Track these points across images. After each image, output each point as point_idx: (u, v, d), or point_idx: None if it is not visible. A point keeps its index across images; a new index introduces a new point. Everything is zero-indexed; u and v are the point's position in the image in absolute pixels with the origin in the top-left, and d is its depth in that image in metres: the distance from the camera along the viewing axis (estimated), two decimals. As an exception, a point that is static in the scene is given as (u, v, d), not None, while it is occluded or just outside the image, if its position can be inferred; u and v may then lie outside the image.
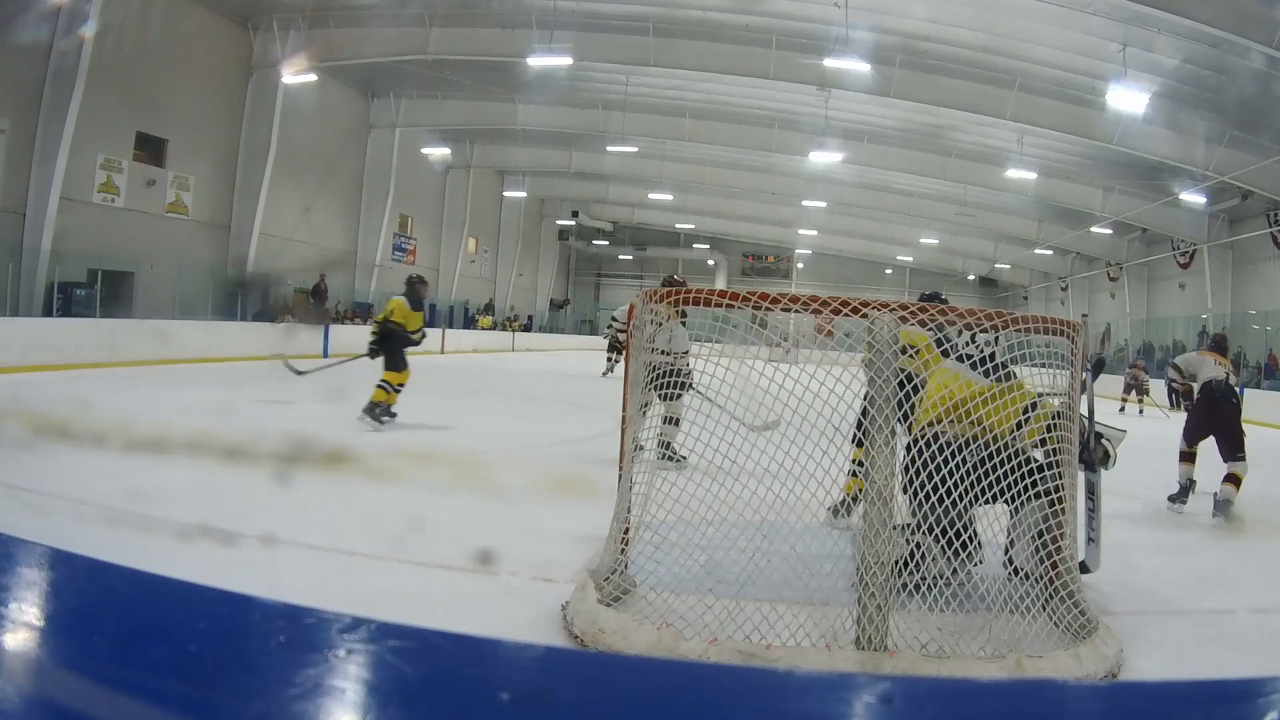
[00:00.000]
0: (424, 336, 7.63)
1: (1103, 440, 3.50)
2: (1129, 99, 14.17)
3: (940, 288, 34.22)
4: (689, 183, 28.03)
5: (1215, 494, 5.52)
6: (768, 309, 2.83)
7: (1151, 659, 2.75)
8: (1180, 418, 6.37)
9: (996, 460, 2.83)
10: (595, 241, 35.16)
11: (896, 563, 2.83)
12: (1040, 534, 3.05)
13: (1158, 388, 14.68)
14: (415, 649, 0.63)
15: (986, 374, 3.30)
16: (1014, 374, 3.34)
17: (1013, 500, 2.86)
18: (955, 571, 3.01)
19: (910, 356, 4.09)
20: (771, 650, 2.41)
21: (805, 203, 27.59)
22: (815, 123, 18.95)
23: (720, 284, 34.07)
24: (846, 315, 2.68)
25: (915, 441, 3.14)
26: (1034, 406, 3.15)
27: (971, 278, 34.82)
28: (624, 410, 3.13)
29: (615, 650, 2.46)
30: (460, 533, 3.75)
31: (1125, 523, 5.17)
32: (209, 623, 0.69)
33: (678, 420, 5.11)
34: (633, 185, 29.69)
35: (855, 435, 3.06)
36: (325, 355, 16.21)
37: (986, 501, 2.90)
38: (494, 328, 27.82)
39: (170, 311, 14.65)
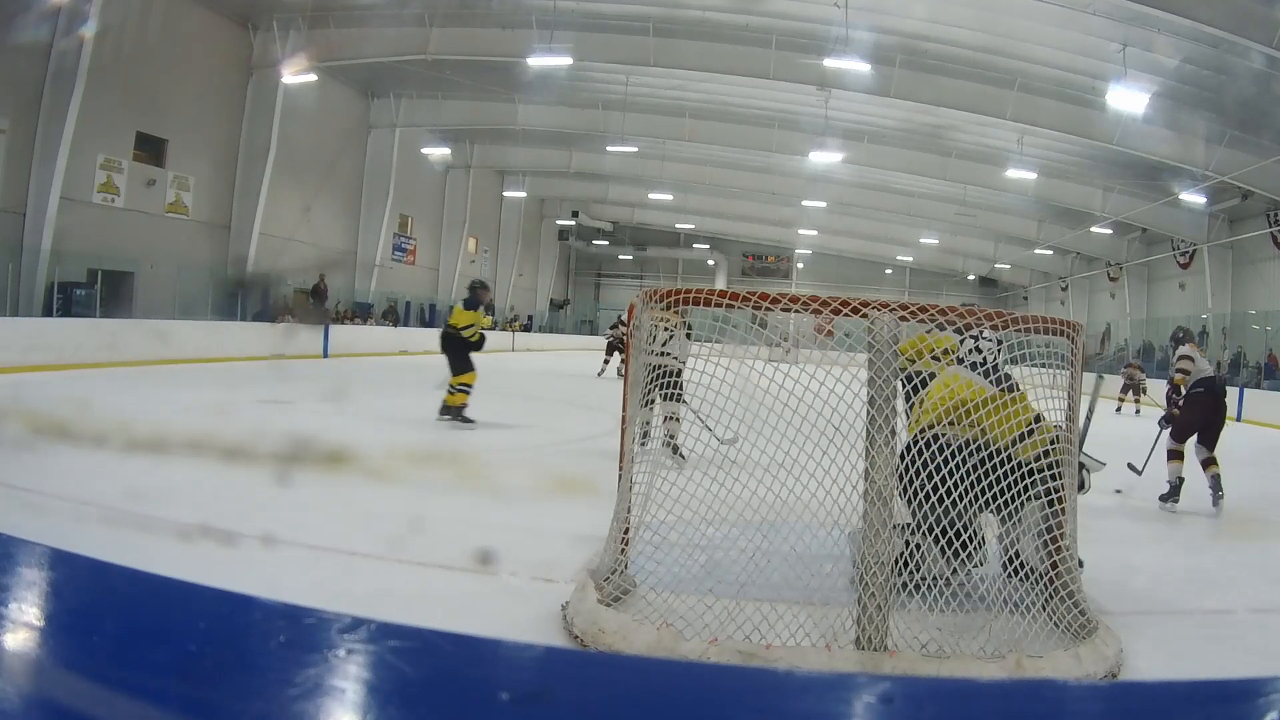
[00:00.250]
0: (477, 335, 7.72)
1: (1083, 469, 3.51)
2: (1129, 99, 14.16)
3: (940, 288, 34.37)
4: (689, 183, 28.03)
5: (1212, 486, 5.52)
6: (768, 309, 2.83)
7: (1151, 659, 2.75)
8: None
9: (993, 463, 2.83)
10: (595, 241, 35.16)
11: (895, 562, 2.83)
12: (1042, 532, 3.05)
13: (1155, 387, 14.67)
14: (415, 649, 0.63)
15: (995, 382, 3.31)
16: (1017, 385, 3.33)
17: (1008, 505, 2.85)
18: (955, 572, 3.01)
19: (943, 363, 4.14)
20: (771, 650, 2.41)
21: (805, 203, 27.59)
22: (815, 123, 18.94)
23: (720, 284, 34.07)
24: (846, 315, 2.67)
25: (915, 441, 3.13)
26: (1037, 420, 3.16)
27: (971, 278, 34.82)
28: (624, 410, 3.13)
29: (615, 650, 2.46)
30: (460, 533, 3.75)
31: (1125, 523, 5.17)
32: (209, 623, 0.69)
33: (678, 419, 5.27)
34: (633, 185, 29.69)
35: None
36: (325, 355, 16.25)
37: (981, 508, 2.89)
38: (494, 328, 27.81)
39: (170, 311, 14.65)
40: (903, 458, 2.90)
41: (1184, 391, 5.84)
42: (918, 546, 2.94)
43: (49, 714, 0.56)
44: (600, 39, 16.51)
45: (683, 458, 4.85)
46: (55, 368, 10.08)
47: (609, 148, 23.12)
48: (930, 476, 2.85)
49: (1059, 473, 2.98)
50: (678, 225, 34.75)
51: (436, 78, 19.29)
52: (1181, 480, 5.62)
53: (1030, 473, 2.96)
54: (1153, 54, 13.65)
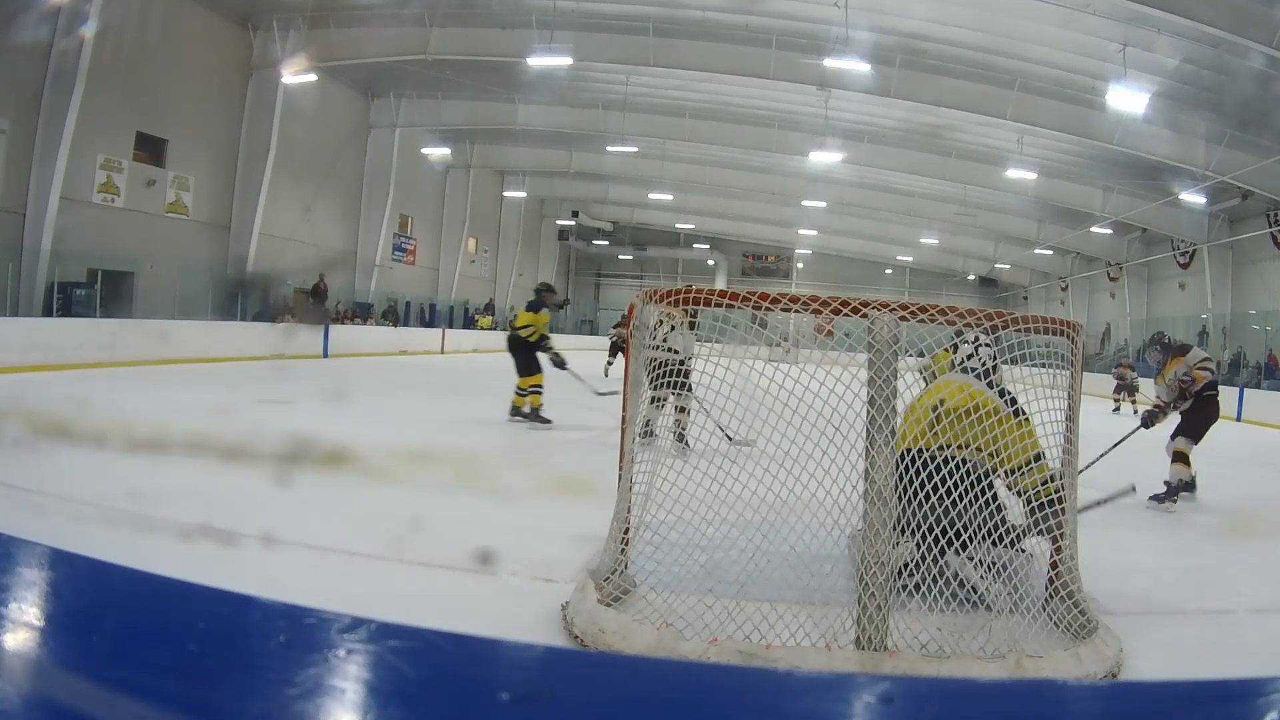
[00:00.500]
0: (536, 335, 7.80)
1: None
2: (1129, 99, 14.17)
3: (940, 288, 34.37)
4: (689, 183, 28.03)
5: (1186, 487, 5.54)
6: (768, 309, 2.83)
7: (1151, 659, 2.75)
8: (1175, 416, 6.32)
9: (982, 485, 2.84)
10: (595, 241, 35.16)
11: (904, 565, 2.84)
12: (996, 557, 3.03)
13: (1148, 385, 14.65)
14: (415, 649, 0.63)
15: (1006, 401, 3.32)
16: (1023, 410, 3.31)
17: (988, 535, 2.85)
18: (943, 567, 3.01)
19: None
20: (771, 650, 2.41)
21: (805, 203, 27.59)
22: (815, 123, 18.95)
23: (720, 284, 34.07)
24: (846, 315, 2.67)
25: (920, 453, 3.11)
26: (1038, 459, 3.17)
27: (971, 278, 34.82)
28: (624, 410, 3.13)
29: (615, 650, 2.46)
30: (460, 533, 3.75)
31: (1126, 523, 5.17)
32: (209, 623, 0.69)
33: (687, 410, 5.38)
34: (633, 185, 29.69)
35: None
36: (325, 355, 16.25)
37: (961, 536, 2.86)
38: (494, 328, 27.83)
39: (170, 311, 14.65)
40: (912, 463, 2.87)
41: (1195, 392, 5.84)
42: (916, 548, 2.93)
43: (49, 714, 0.56)
44: (600, 39, 16.51)
45: (687, 446, 4.92)
46: (55, 368, 10.08)
47: (609, 148, 23.12)
48: (929, 485, 2.82)
49: (1056, 510, 2.98)
50: (678, 225, 34.76)
51: (436, 78, 19.29)
52: (1184, 482, 5.61)
53: (1029, 501, 2.98)
54: (1153, 54, 13.66)
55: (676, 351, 5.08)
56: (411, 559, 3.37)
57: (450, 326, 24.91)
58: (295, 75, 17.35)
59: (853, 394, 2.76)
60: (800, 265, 36.39)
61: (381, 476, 5.07)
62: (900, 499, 2.74)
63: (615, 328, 15.85)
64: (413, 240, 25.37)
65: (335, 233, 21.72)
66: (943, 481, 2.78)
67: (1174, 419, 5.99)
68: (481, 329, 26.89)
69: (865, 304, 2.64)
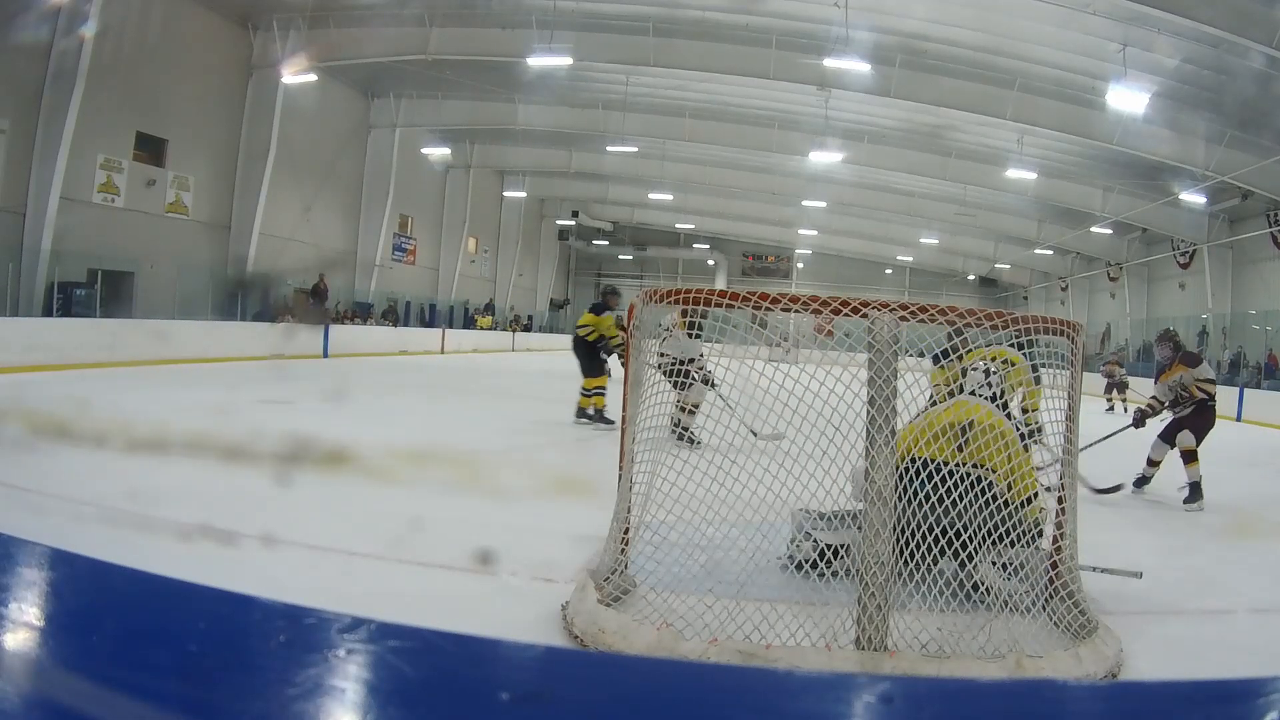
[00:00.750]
0: (595, 335, 7.88)
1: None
2: (1129, 99, 14.17)
3: (940, 288, 34.38)
4: (689, 183, 28.03)
5: (1195, 482, 5.58)
6: (768, 309, 2.83)
7: (1151, 659, 2.75)
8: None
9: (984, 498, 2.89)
10: (595, 241, 35.16)
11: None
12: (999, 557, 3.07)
13: (1139, 384, 14.64)
14: (415, 649, 0.63)
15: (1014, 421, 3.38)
16: (1028, 446, 3.41)
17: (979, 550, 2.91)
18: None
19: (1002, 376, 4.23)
20: (771, 650, 2.41)
21: (805, 203, 27.59)
22: (815, 123, 18.95)
23: (720, 284, 34.07)
24: (846, 315, 2.67)
25: (926, 465, 3.14)
26: (1031, 500, 3.22)
27: (971, 278, 34.83)
28: (624, 410, 3.13)
29: (615, 650, 2.46)
30: (460, 533, 3.75)
31: (1125, 523, 5.17)
32: (209, 623, 0.69)
33: (694, 408, 5.43)
34: (633, 185, 29.69)
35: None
36: (325, 355, 16.25)
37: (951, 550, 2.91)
38: (494, 328, 27.83)
39: (170, 311, 14.65)
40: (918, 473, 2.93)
41: (1188, 403, 5.86)
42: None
43: (49, 714, 0.56)
44: (600, 39, 16.51)
45: (694, 443, 5.03)
46: (55, 368, 10.08)
47: (609, 148, 23.11)
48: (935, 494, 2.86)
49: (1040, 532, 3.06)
50: (678, 225, 34.76)
51: (436, 78, 19.29)
52: (1200, 478, 5.63)
53: (1025, 531, 3.04)
54: (1153, 54, 13.65)
55: (675, 358, 5.14)
56: (411, 559, 3.37)
57: (450, 326, 24.91)
58: (295, 75, 17.35)
59: (853, 394, 2.76)
60: (800, 265, 36.39)
61: (381, 476, 5.07)
62: (921, 509, 2.79)
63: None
64: (413, 240, 25.37)
65: (335, 233, 21.72)
66: (975, 497, 2.85)
67: (1164, 417, 6.02)
68: (481, 329, 26.90)
69: (865, 304, 2.64)
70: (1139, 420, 6.11)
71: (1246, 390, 15.46)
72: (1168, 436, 5.90)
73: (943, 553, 2.91)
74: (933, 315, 2.77)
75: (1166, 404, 5.95)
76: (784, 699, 0.59)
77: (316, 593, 2.85)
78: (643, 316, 3.16)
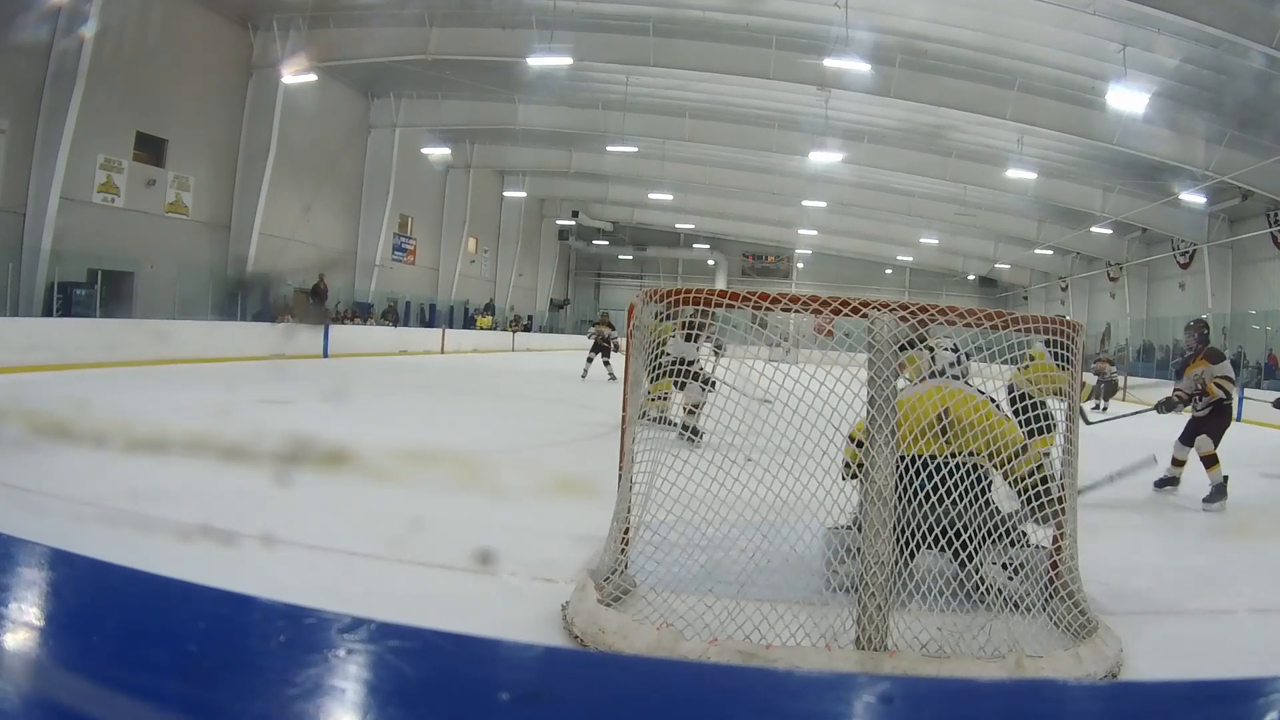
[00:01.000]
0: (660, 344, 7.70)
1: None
2: (1129, 99, 14.17)
3: (940, 288, 34.38)
4: (689, 183, 28.04)
5: (1216, 483, 5.57)
6: (768, 309, 2.83)
7: (1151, 659, 2.75)
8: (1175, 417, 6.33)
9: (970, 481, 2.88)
10: (595, 241, 35.16)
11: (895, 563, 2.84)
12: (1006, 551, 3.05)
13: (1140, 384, 14.62)
14: (415, 649, 0.63)
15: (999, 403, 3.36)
16: (1000, 405, 3.38)
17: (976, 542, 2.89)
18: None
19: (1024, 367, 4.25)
20: (771, 650, 2.41)
21: (805, 203, 27.60)
22: (815, 123, 18.95)
23: (720, 284, 34.07)
24: (846, 315, 2.67)
25: (914, 461, 3.13)
26: (1024, 449, 3.19)
27: (971, 278, 34.84)
28: (624, 410, 3.13)
29: (615, 650, 2.46)
30: (460, 533, 3.75)
31: (1125, 523, 5.17)
32: (209, 623, 0.69)
33: (694, 408, 5.64)
34: (633, 185, 29.70)
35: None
36: (325, 355, 16.26)
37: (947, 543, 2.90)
38: (494, 328, 27.84)
39: (170, 311, 14.65)
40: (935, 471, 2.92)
41: (1205, 401, 5.86)
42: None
43: (49, 714, 0.56)
44: (600, 39, 16.51)
45: (695, 438, 5.26)
46: (55, 368, 10.07)
47: (609, 148, 23.12)
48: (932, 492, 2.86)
49: (1049, 488, 3.01)
50: (678, 225, 34.77)
51: (436, 78, 19.29)
52: (1218, 485, 5.63)
53: (1025, 490, 3.00)
54: (1153, 54, 13.66)
55: (669, 355, 5.20)
56: (411, 559, 3.37)
57: (450, 326, 24.91)
58: (295, 75, 17.35)
59: (853, 394, 2.76)
60: (800, 265, 36.39)
61: (381, 476, 5.07)
62: (911, 504, 2.78)
63: (595, 325, 15.30)
64: (413, 240, 25.37)
65: (335, 233, 21.73)
66: (967, 489, 2.84)
67: (1185, 416, 6.02)
68: (481, 329, 26.90)
69: (865, 304, 2.64)
70: (1163, 407, 6.12)
71: (1247, 390, 15.45)
72: (1187, 438, 5.90)
73: (943, 551, 2.91)
74: (933, 315, 2.77)
75: (1188, 398, 5.94)
76: (784, 699, 0.59)
77: (316, 593, 2.85)
78: (642, 317, 3.16)
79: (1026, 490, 3.07)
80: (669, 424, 5.94)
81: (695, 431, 5.79)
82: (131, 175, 15.25)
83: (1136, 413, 6.21)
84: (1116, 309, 27.17)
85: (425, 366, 16.64)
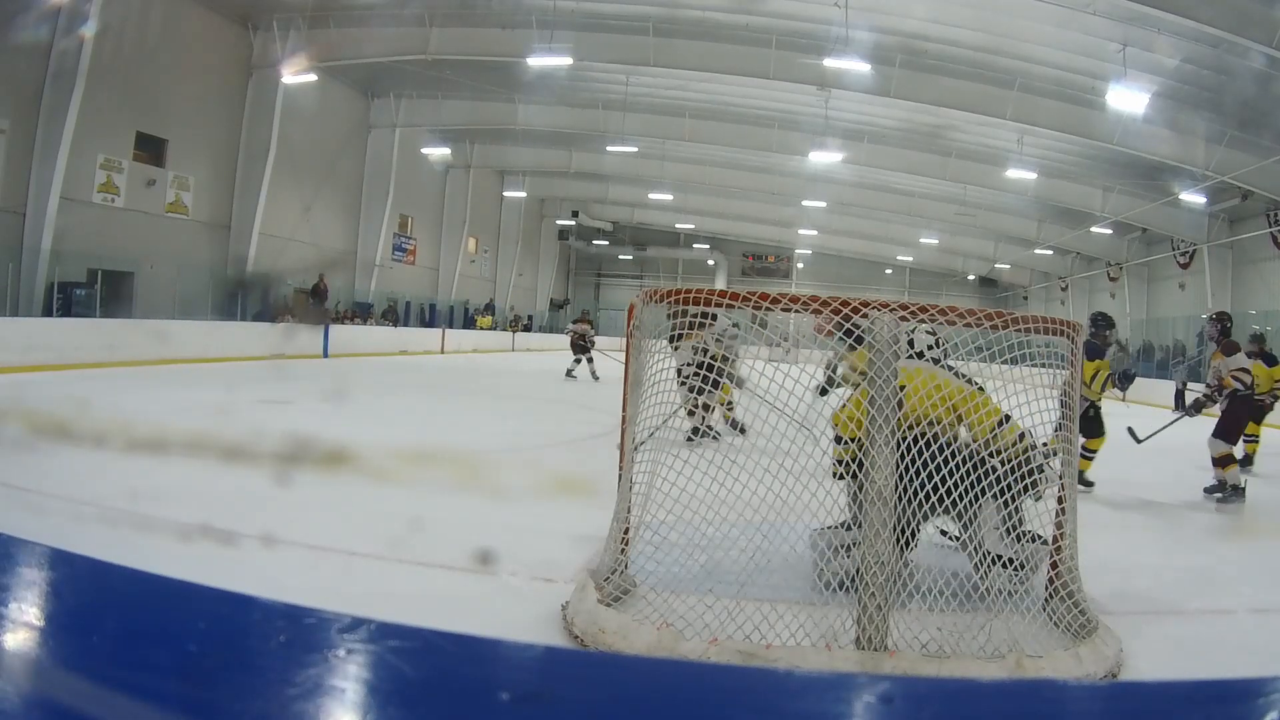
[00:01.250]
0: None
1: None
2: (1129, 99, 14.17)
3: (940, 288, 34.38)
4: (689, 183, 28.03)
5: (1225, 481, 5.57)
6: (768, 309, 2.83)
7: (1151, 659, 2.75)
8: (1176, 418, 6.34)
9: (955, 461, 2.85)
10: (595, 241, 35.16)
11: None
12: (1006, 519, 3.03)
13: (1155, 385, 14.62)
14: (415, 649, 0.63)
15: (961, 378, 3.32)
16: (977, 383, 3.34)
17: (970, 505, 2.87)
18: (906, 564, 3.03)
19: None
20: (771, 650, 2.41)
21: (805, 203, 27.59)
22: (815, 123, 18.94)
23: (720, 284, 34.07)
24: (846, 315, 2.67)
25: (916, 440, 3.12)
26: (1007, 419, 3.16)
27: (971, 278, 34.82)
28: (624, 410, 3.13)
29: (615, 650, 2.46)
30: (460, 533, 3.75)
31: (1125, 523, 5.17)
32: (209, 623, 0.69)
33: (707, 407, 5.84)
34: (633, 185, 29.69)
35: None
36: (325, 355, 16.26)
37: (947, 508, 2.87)
38: (494, 328, 27.83)
39: (170, 311, 14.64)
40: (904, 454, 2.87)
41: (1223, 394, 5.85)
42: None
43: (49, 714, 0.56)
44: (600, 39, 16.51)
45: (707, 435, 5.49)
46: (55, 368, 10.08)
47: (609, 148, 23.11)
48: (918, 473, 2.82)
49: (1032, 457, 3.00)
50: (678, 225, 34.76)
51: (436, 78, 19.29)
52: (1235, 486, 5.62)
53: (1008, 460, 2.99)
54: (1153, 54, 13.65)
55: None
56: (411, 559, 3.37)
57: (450, 326, 24.91)
58: (295, 75, 17.35)
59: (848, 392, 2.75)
60: (800, 265, 36.38)
61: (381, 476, 5.07)
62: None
63: (574, 324, 14.98)
64: (413, 240, 25.37)
65: (335, 233, 21.73)
66: (930, 459, 2.80)
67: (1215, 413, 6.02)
68: (481, 329, 26.89)
69: (865, 304, 2.64)
70: (1193, 409, 6.12)
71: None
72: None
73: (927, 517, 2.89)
74: (933, 315, 2.77)
75: (1212, 393, 5.93)
76: (784, 699, 0.59)
77: (316, 593, 2.85)
78: (643, 317, 3.16)
79: (1010, 460, 3.06)
80: (739, 429, 6.08)
81: (699, 431, 5.84)
82: (131, 175, 15.24)
83: (1172, 423, 6.23)
84: (1116, 309, 27.14)
85: (425, 366, 16.64)
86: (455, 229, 27.28)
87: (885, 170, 22.72)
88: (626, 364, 3.21)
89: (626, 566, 3.03)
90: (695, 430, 5.93)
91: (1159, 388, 15.36)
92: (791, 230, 32.93)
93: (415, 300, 24.97)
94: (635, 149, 23.37)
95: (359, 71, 19.75)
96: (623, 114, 20.94)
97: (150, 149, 15.78)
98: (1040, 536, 3.10)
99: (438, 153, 24.63)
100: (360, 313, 21.38)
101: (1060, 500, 3.02)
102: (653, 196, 29.78)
